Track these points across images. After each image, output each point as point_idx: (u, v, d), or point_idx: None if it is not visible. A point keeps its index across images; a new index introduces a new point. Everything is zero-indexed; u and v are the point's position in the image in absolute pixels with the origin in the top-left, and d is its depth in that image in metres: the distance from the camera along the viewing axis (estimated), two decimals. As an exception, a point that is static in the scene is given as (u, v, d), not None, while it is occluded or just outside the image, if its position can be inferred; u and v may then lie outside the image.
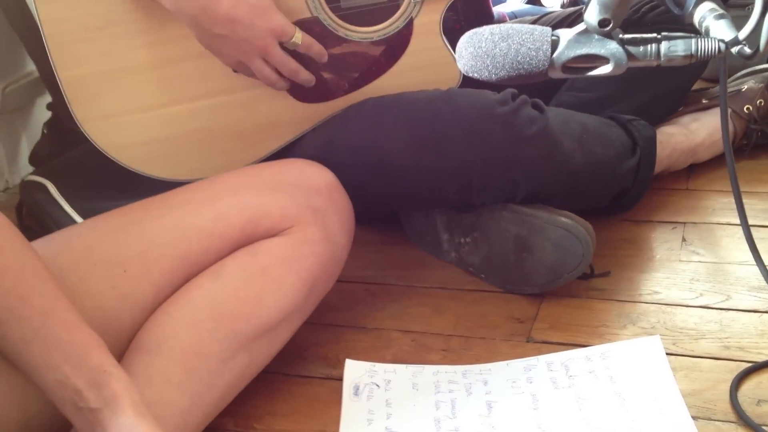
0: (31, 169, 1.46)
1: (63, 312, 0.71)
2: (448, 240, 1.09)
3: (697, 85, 1.32)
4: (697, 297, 0.99)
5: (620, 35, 0.73)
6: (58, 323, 0.70)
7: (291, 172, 0.92)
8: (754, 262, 0.89)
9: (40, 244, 0.85)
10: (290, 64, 0.98)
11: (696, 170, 1.26)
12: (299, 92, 1.04)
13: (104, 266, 0.82)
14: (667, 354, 0.88)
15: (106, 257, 0.83)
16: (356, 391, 0.88)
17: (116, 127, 1.02)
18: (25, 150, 1.51)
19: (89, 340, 0.71)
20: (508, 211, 1.00)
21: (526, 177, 0.99)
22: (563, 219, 0.98)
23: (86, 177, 1.26)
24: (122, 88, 1.01)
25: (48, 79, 1.36)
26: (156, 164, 1.04)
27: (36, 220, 1.26)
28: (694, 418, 0.80)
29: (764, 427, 0.77)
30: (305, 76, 1.00)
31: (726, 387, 0.83)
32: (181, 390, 0.78)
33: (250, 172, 0.93)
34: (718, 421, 0.80)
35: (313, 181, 0.91)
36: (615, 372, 0.86)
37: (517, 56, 0.74)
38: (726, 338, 0.91)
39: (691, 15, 0.74)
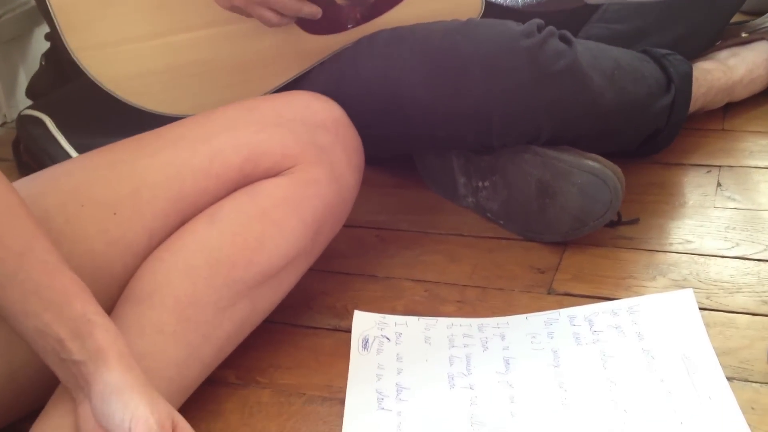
0: (28, 102, 1.40)
1: (42, 254, 0.66)
2: (465, 184, 1.03)
3: (736, 17, 1.23)
4: (732, 247, 0.93)
5: (665, -45, 0.65)
6: (37, 266, 0.65)
7: (294, 106, 0.86)
8: (797, 210, 0.83)
9: (24, 183, 0.80)
10: (291, 6, 0.90)
11: (732, 109, 1.19)
12: (307, 23, 0.97)
13: (92, 208, 0.77)
14: (700, 309, 0.82)
15: (94, 198, 0.78)
16: (365, 344, 0.83)
17: (112, 57, 0.96)
18: (23, 82, 1.46)
19: (71, 285, 0.65)
20: (530, 154, 0.94)
21: (552, 117, 0.92)
22: (590, 162, 0.91)
23: (85, 112, 1.22)
24: (118, 15, 0.95)
25: (44, 8, 1.29)
26: (154, 98, 0.99)
27: (33, 156, 1.22)
28: (729, 379, 0.74)
29: (806, 391, 0.72)
30: (310, 10, 0.92)
31: (764, 345, 0.78)
32: (175, 341, 0.74)
33: (249, 106, 0.87)
34: (756, 383, 0.74)
35: (318, 116, 0.85)
36: (643, 328, 0.81)
37: (548, -23, 0.66)
38: (764, 292, 0.85)
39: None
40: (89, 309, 0.65)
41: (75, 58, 0.95)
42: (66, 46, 0.95)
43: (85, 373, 0.63)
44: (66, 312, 0.64)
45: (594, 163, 0.91)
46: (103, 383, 0.62)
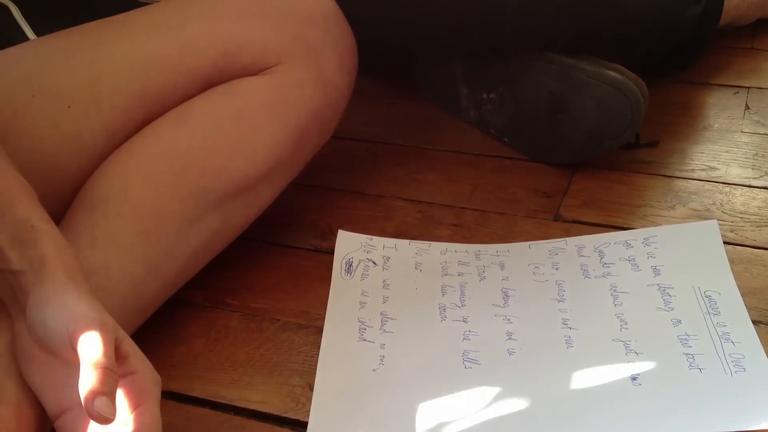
0: (-7, -10, 1.29)
1: None
2: (468, 95, 0.93)
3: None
4: (761, 176, 0.85)
5: None
6: None
7: None
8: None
9: (-33, 71, 0.70)
10: None
11: (764, 26, 1.12)
12: None
13: (44, 99, 0.68)
14: (723, 243, 0.74)
15: (46, 88, 0.69)
16: (349, 267, 0.75)
17: None
18: (-11, -32, 1.33)
19: (14, 186, 0.57)
20: (544, 62, 0.84)
21: (572, 16, 0.83)
22: (611, 73, 0.82)
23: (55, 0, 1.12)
24: None
25: None
26: None
27: (-6, 48, 1.12)
28: (754, 322, 0.66)
29: (841, 340, 0.64)
30: None
31: (794, 287, 0.70)
32: (132, 255, 0.66)
33: None
34: (784, 328, 0.67)
35: (307, 7, 0.75)
36: (660, 261, 0.73)
37: None
38: (795, 227, 0.77)
39: None
40: (33, 214, 0.56)
41: (33, -67, 0.85)
42: None
43: (24, 284, 0.55)
44: (7, 216, 0.55)
45: (615, 74, 0.82)
46: (41, 294, 0.54)
